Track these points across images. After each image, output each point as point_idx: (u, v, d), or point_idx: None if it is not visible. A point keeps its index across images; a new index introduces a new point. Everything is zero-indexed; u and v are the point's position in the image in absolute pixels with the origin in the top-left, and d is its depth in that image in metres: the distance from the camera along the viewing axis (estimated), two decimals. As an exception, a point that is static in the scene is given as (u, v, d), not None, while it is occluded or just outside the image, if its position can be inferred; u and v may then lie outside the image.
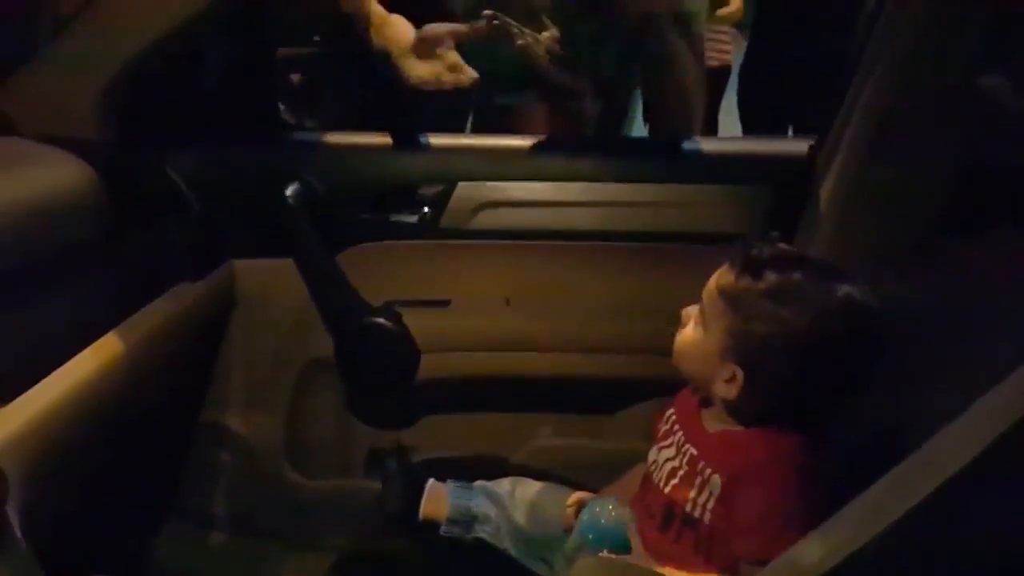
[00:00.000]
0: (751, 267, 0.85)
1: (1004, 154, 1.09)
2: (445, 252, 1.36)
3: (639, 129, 2.03)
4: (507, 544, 1.04)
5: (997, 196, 1.04)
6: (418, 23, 1.42)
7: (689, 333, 0.90)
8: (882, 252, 1.10)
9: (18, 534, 0.78)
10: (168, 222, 1.21)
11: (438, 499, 1.07)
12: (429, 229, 1.34)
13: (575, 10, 1.49)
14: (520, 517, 1.05)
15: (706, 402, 0.92)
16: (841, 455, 0.85)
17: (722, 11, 3.76)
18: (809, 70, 2.78)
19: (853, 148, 1.18)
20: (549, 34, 1.48)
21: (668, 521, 0.89)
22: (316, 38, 1.87)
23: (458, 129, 1.71)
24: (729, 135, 3.67)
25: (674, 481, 0.89)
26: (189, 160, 1.26)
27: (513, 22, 1.38)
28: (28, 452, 0.83)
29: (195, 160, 1.27)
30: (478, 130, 1.74)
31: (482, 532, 1.05)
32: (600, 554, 0.92)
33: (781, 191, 1.31)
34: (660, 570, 0.86)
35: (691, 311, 0.91)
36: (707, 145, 1.43)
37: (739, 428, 0.87)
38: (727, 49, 3.94)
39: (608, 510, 0.94)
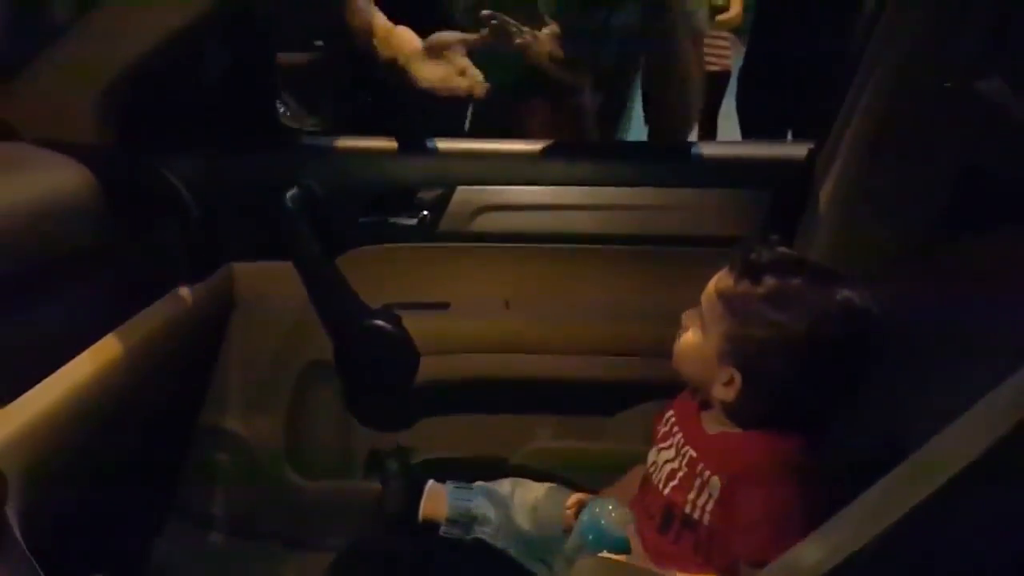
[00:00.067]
0: (750, 271, 0.85)
1: (1003, 157, 1.09)
2: (444, 255, 1.36)
3: (638, 120, 2.02)
4: (507, 545, 1.04)
5: (996, 198, 1.04)
6: (418, 30, 1.42)
7: (688, 336, 0.91)
8: (881, 255, 1.10)
9: (17, 535, 0.78)
10: (167, 225, 1.21)
11: (438, 500, 1.07)
12: (428, 232, 1.35)
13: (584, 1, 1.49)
14: (520, 518, 1.05)
15: (705, 404, 0.92)
16: (840, 457, 0.85)
17: (722, 17, 3.77)
18: (808, 74, 2.79)
19: (852, 152, 1.18)
20: (549, 30, 1.48)
21: (667, 522, 0.89)
22: (317, 43, 1.87)
23: (458, 125, 1.70)
24: (728, 139, 3.67)
25: (673, 483, 0.89)
26: (188, 164, 1.26)
27: (511, 20, 1.37)
28: (28, 453, 0.83)
29: (194, 164, 1.27)
30: (477, 126, 1.74)
31: (482, 533, 1.05)
32: (600, 555, 0.92)
33: (780, 195, 1.32)
34: (659, 571, 0.86)
35: (691, 315, 0.91)
36: (706, 149, 1.43)
37: (738, 430, 0.88)
38: (727, 54, 3.96)
39: (608, 511, 0.94)
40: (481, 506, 1.06)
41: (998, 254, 0.92)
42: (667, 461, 0.92)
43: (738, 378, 0.85)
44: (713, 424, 0.90)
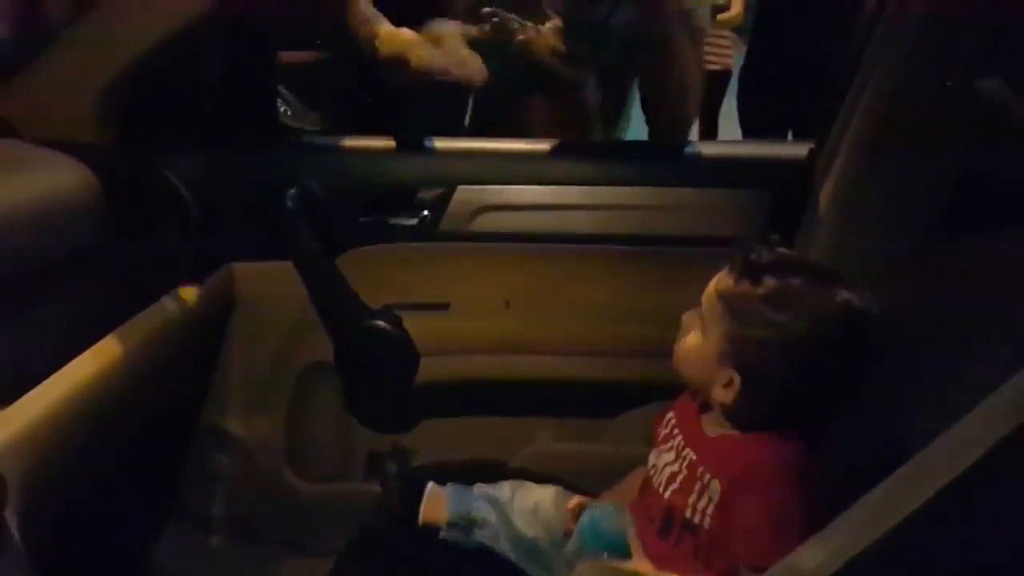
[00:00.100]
0: (749, 271, 0.85)
1: (1003, 157, 1.09)
2: (445, 255, 1.36)
3: (637, 119, 2.01)
4: (507, 548, 1.04)
5: (996, 199, 1.04)
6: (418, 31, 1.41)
7: (689, 338, 0.90)
8: (882, 256, 1.10)
9: (17, 538, 0.78)
10: (167, 225, 1.21)
11: (437, 503, 1.07)
12: (429, 232, 1.34)
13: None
14: (520, 521, 1.05)
15: (706, 406, 0.92)
16: (840, 459, 0.85)
17: (723, 16, 3.77)
18: (808, 74, 2.79)
19: (852, 152, 1.18)
20: (552, 25, 1.47)
21: (668, 526, 0.88)
22: (318, 41, 1.87)
23: (457, 123, 1.70)
24: (729, 139, 3.67)
25: (673, 486, 0.89)
26: (189, 163, 1.26)
27: (513, 16, 1.36)
28: (27, 455, 0.83)
29: (195, 163, 1.27)
30: (478, 123, 1.74)
31: (481, 536, 1.05)
32: (600, 559, 0.91)
33: (781, 195, 1.32)
34: (659, 575, 0.86)
35: (691, 316, 0.91)
36: (707, 149, 1.43)
37: (738, 433, 0.87)
38: (728, 53, 3.95)
39: (608, 515, 0.94)
40: (481, 509, 1.06)
41: (998, 255, 0.92)
42: (667, 464, 0.91)
43: (737, 379, 0.85)
44: (713, 426, 0.90)
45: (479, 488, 1.09)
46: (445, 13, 1.58)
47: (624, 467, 1.07)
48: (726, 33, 3.92)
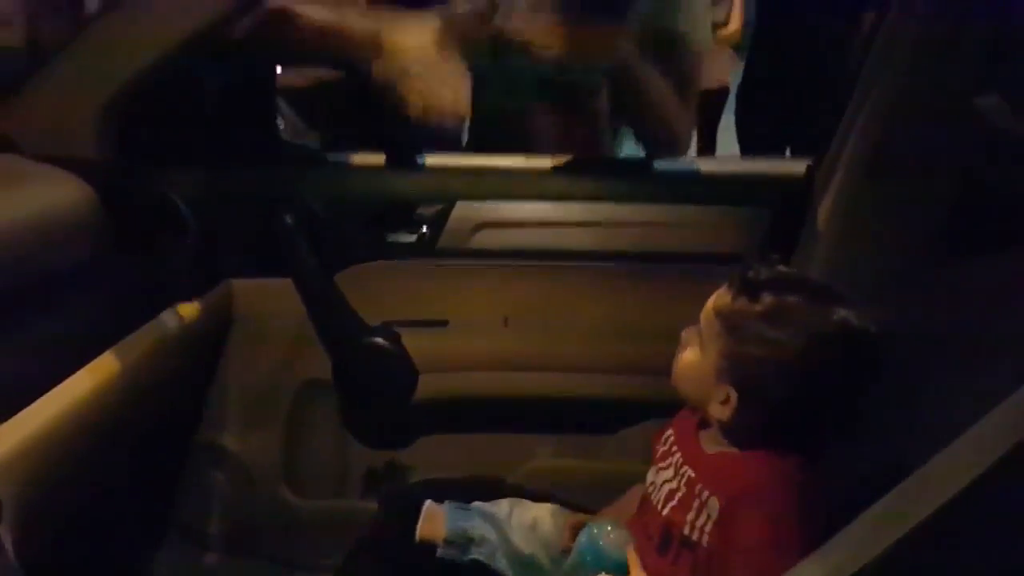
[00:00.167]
0: (747, 289, 0.85)
1: (1001, 174, 1.10)
2: (443, 272, 1.36)
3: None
4: (504, 566, 1.03)
5: (994, 215, 1.04)
6: None
7: (687, 354, 0.90)
8: (880, 272, 1.10)
9: (12, 555, 0.77)
10: (166, 241, 1.21)
11: (435, 520, 1.06)
12: (427, 249, 1.35)
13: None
14: (518, 539, 1.04)
15: (704, 423, 0.91)
16: (840, 477, 0.85)
17: (720, 33, 3.79)
18: (806, 91, 2.80)
19: (851, 168, 1.19)
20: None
21: (666, 544, 0.88)
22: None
23: (455, 142, 1.69)
24: (727, 156, 3.68)
25: (672, 503, 0.88)
26: (188, 180, 1.26)
27: (521, 26, 1.34)
28: (23, 472, 0.83)
29: (194, 180, 1.27)
30: (481, 135, 1.73)
31: (479, 554, 1.04)
32: (598, 576, 0.91)
33: (779, 211, 1.32)
34: (658, 593, 0.86)
35: (690, 332, 0.91)
36: (705, 165, 1.44)
37: (736, 450, 0.87)
38: (725, 70, 3.97)
39: (606, 532, 0.93)
40: (479, 527, 1.05)
41: (996, 272, 0.92)
42: (666, 481, 0.91)
43: (734, 396, 0.84)
44: (711, 444, 0.90)
45: (477, 505, 1.09)
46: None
47: (623, 484, 1.06)
48: (724, 50, 3.94)
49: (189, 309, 1.22)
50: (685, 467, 0.89)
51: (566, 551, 1.00)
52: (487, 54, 1.46)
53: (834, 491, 0.81)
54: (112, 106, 1.16)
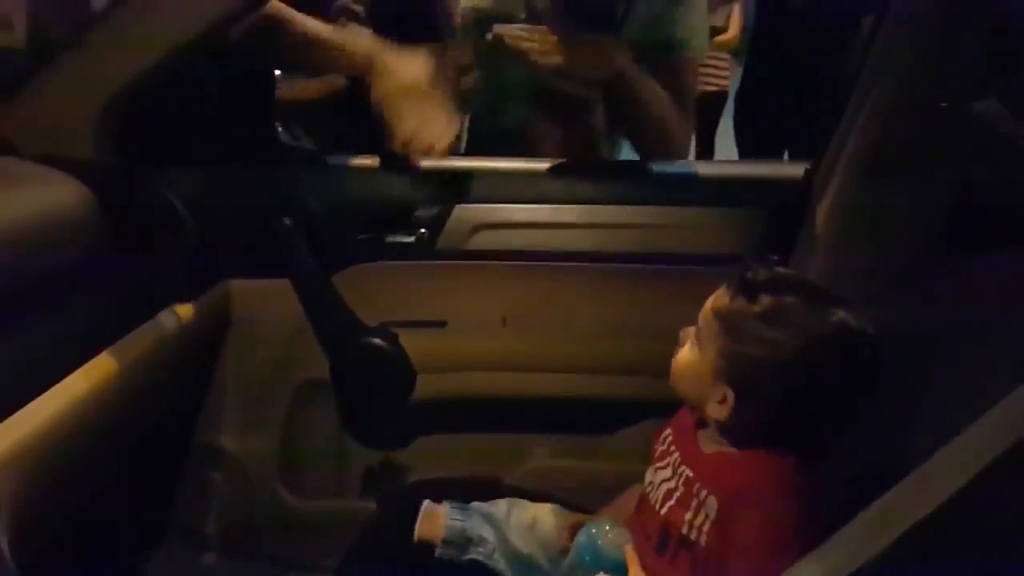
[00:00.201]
0: (746, 289, 0.85)
1: (999, 177, 1.10)
2: (442, 273, 1.36)
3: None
4: (503, 566, 1.03)
5: (992, 218, 1.04)
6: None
7: (685, 353, 0.91)
8: (878, 275, 1.10)
9: (8, 557, 0.77)
10: (164, 242, 1.21)
11: (433, 520, 1.06)
12: (426, 250, 1.35)
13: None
14: (516, 539, 1.04)
15: (702, 423, 0.91)
16: (839, 476, 0.85)
17: (719, 38, 3.82)
18: (804, 95, 2.81)
19: (849, 171, 1.19)
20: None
21: (664, 543, 0.88)
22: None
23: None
24: (726, 158, 3.69)
25: (670, 503, 0.89)
26: (186, 180, 1.26)
27: (520, 33, 1.35)
28: (20, 473, 0.83)
29: (192, 180, 1.27)
30: (475, 153, 1.74)
31: (477, 554, 1.04)
32: (596, 576, 0.91)
33: (777, 214, 1.32)
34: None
35: (688, 331, 0.91)
36: (704, 168, 1.44)
37: (734, 450, 0.87)
38: (724, 75, 3.99)
39: (604, 532, 0.93)
40: (477, 527, 1.05)
41: (994, 274, 0.92)
42: (664, 481, 0.91)
43: (731, 396, 0.85)
44: (709, 443, 0.90)
45: (475, 505, 1.09)
46: (438, 29, 1.58)
47: (621, 484, 1.06)
48: (723, 55, 3.96)
49: (187, 310, 1.22)
50: (683, 467, 0.90)
51: (564, 551, 1.00)
52: (487, 61, 1.47)
53: (833, 491, 0.81)
54: (110, 107, 1.16)
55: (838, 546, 0.58)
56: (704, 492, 0.85)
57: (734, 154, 3.56)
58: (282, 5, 1.32)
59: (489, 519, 1.06)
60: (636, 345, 1.32)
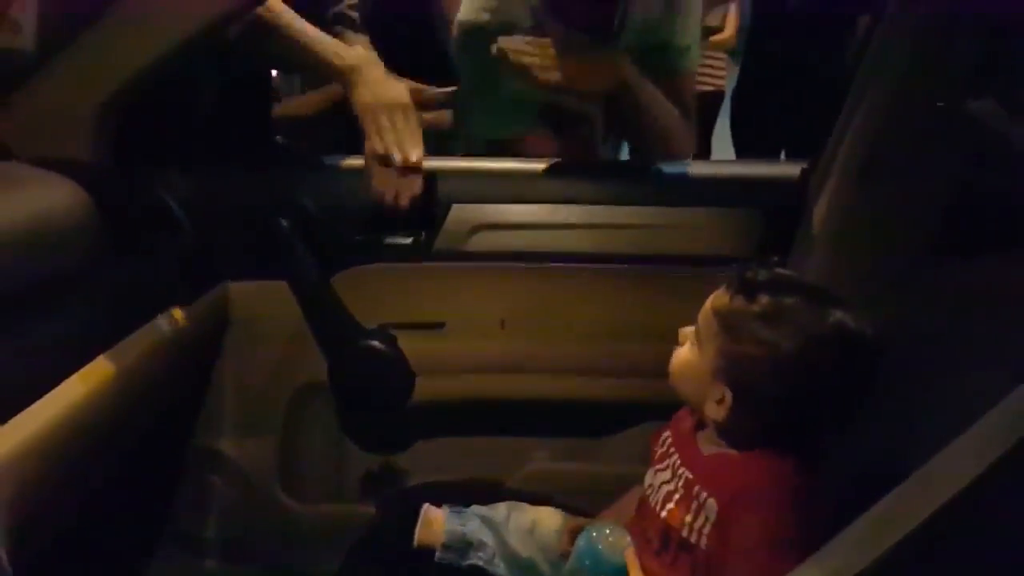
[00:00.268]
0: (745, 289, 0.85)
1: (995, 177, 1.10)
2: (440, 274, 1.35)
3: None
4: (503, 571, 1.03)
5: (989, 219, 1.04)
6: (416, 67, 1.40)
7: (684, 353, 0.91)
8: (875, 275, 1.10)
9: (5, 562, 0.77)
10: (162, 244, 1.20)
11: (433, 524, 1.06)
12: (424, 251, 1.34)
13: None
14: (516, 542, 1.04)
15: (702, 425, 0.91)
16: (839, 479, 0.85)
17: (716, 37, 3.81)
18: (801, 94, 2.81)
19: (845, 171, 1.19)
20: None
21: (665, 546, 0.88)
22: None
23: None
24: (723, 159, 3.69)
25: (670, 505, 0.88)
26: (183, 182, 1.26)
27: (523, 47, 1.34)
28: (17, 478, 0.82)
29: (189, 182, 1.27)
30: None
31: (477, 559, 1.04)
32: (596, 580, 0.91)
33: (774, 214, 1.32)
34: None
35: (688, 331, 0.91)
36: (701, 169, 1.44)
37: (734, 451, 0.87)
38: (721, 74, 3.99)
39: (605, 535, 0.93)
40: (477, 531, 1.05)
41: (992, 275, 0.92)
42: (663, 483, 0.91)
43: (728, 396, 0.85)
44: (709, 445, 0.90)
45: (475, 509, 1.09)
46: (442, 51, 1.58)
47: (621, 486, 1.06)
48: (719, 55, 3.96)
49: (185, 312, 1.21)
50: (683, 468, 0.89)
51: (565, 555, 1.00)
52: (485, 74, 1.47)
53: (833, 492, 0.81)
54: (107, 109, 1.16)
55: (839, 548, 0.58)
56: (704, 494, 0.85)
57: (730, 154, 3.57)
58: (280, 4, 1.31)
59: (489, 523, 1.06)
60: (635, 346, 1.32)
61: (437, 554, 1.04)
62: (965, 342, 0.85)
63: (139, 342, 1.09)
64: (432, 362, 1.34)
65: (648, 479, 0.95)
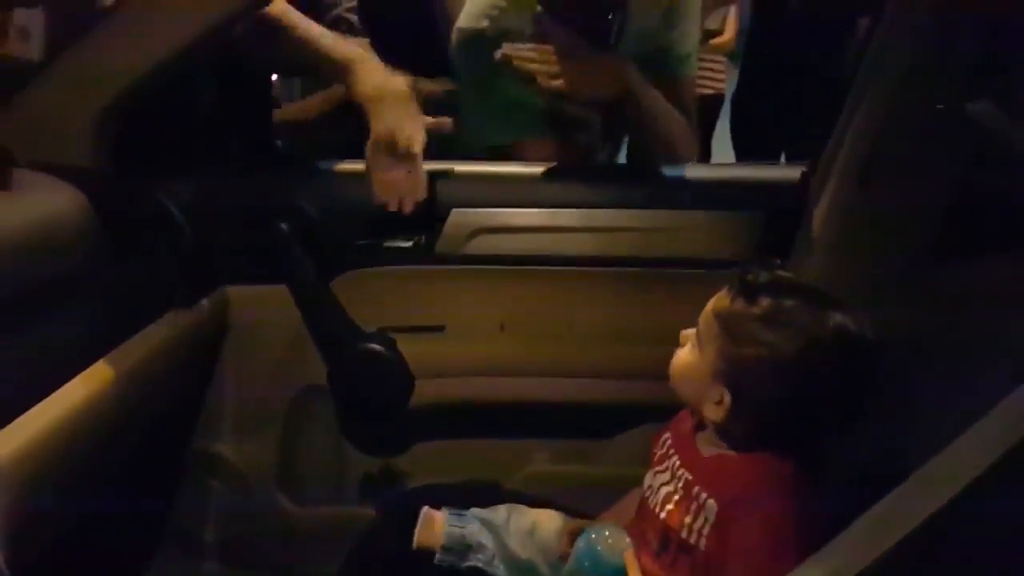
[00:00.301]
0: (746, 291, 0.86)
1: (995, 179, 1.10)
2: (440, 278, 1.35)
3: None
4: (502, 573, 1.03)
5: (989, 221, 1.04)
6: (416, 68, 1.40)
7: (685, 354, 0.91)
8: (875, 277, 1.10)
9: (3, 565, 0.77)
10: (161, 249, 1.20)
11: (433, 527, 1.06)
12: (423, 255, 1.34)
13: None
14: (516, 545, 1.04)
15: (701, 426, 0.91)
16: (838, 480, 0.85)
17: (715, 40, 3.81)
18: (801, 97, 2.81)
19: (845, 174, 1.19)
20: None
21: (664, 547, 0.88)
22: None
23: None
24: (722, 162, 3.69)
25: (669, 506, 0.88)
26: (183, 187, 1.26)
27: (530, 54, 1.34)
28: (16, 482, 0.82)
29: (189, 187, 1.27)
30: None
31: (477, 561, 1.03)
32: (596, 582, 0.91)
33: (774, 217, 1.32)
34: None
35: (689, 333, 0.92)
36: (701, 172, 1.44)
37: (733, 453, 0.87)
38: (721, 78, 3.99)
39: (604, 538, 0.93)
40: (476, 533, 1.05)
41: (991, 276, 0.92)
42: (663, 484, 0.91)
43: (727, 397, 0.85)
44: (708, 446, 0.90)
45: (474, 511, 1.08)
46: (442, 51, 1.58)
47: (621, 488, 1.06)
48: (719, 58, 3.95)
49: (185, 316, 1.21)
50: (682, 470, 0.89)
51: (564, 556, 0.99)
52: (484, 81, 1.47)
53: (833, 494, 0.81)
54: (107, 114, 1.16)
55: (839, 550, 0.58)
56: (703, 496, 0.85)
57: (731, 157, 3.56)
58: (286, 5, 1.32)
59: (488, 525, 1.06)
60: (634, 349, 1.32)
61: (437, 556, 1.04)
62: (965, 342, 0.85)
63: (139, 346, 1.09)
64: (432, 365, 1.34)
65: (647, 480, 0.95)
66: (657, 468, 0.94)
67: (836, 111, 1.23)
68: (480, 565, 1.04)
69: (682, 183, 1.40)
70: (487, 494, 1.14)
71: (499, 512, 1.08)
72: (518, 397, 1.36)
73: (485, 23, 1.49)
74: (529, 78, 1.33)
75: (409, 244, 1.34)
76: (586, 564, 0.92)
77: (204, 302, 1.27)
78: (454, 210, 1.34)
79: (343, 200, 1.36)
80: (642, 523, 0.93)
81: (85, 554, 1.11)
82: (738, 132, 3.53)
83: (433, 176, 1.33)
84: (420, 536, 1.05)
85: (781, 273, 0.90)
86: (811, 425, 0.85)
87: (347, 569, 1.09)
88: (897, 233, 1.13)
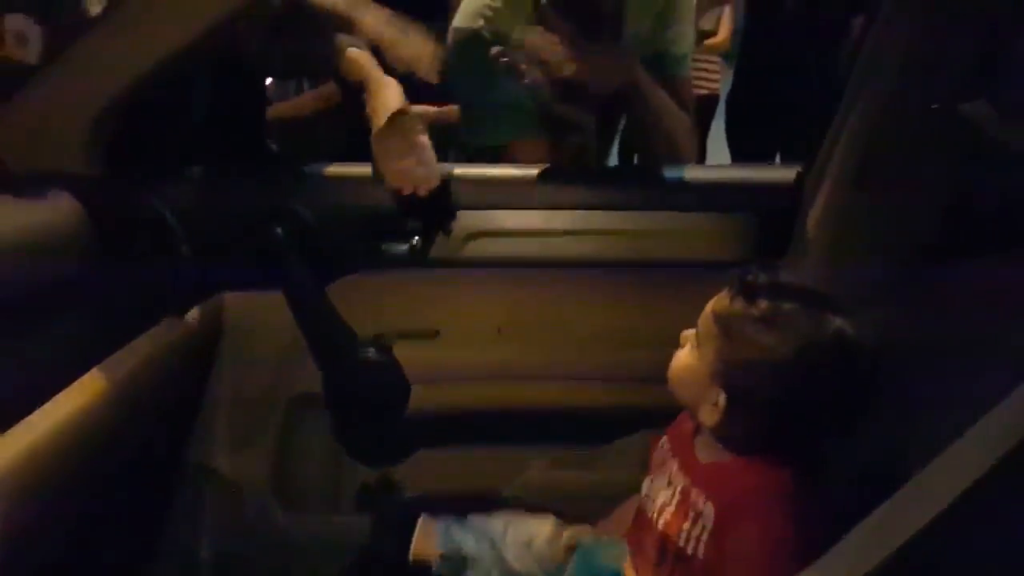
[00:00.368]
0: (745, 293, 0.85)
1: (991, 179, 1.10)
2: (435, 281, 1.35)
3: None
4: (499, 583, 1.03)
5: (983, 221, 1.04)
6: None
7: (683, 356, 0.91)
8: (872, 277, 1.10)
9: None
10: (156, 255, 1.20)
11: (430, 537, 1.05)
12: (420, 259, 1.34)
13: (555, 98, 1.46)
14: (512, 556, 1.03)
15: (700, 430, 0.91)
16: (837, 484, 0.84)
17: (710, 41, 3.81)
18: (795, 98, 2.82)
19: (840, 175, 1.19)
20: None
21: (662, 556, 0.87)
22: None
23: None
24: (717, 163, 3.70)
25: (668, 512, 0.88)
26: (177, 193, 1.25)
27: (544, 43, 1.34)
28: (8, 492, 0.82)
29: (183, 192, 1.26)
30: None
31: (474, 573, 1.03)
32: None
33: (769, 218, 1.32)
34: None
35: (689, 334, 0.91)
36: (696, 173, 1.43)
37: (731, 458, 0.87)
38: (715, 78, 3.99)
39: (601, 549, 0.93)
40: (473, 545, 1.04)
41: (987, 277, 0.92)
42: (661, 490, 0.91)
43: (723, 400, 0.84)
44: (706, 451, 0.89)
45: (471, 522, 1.08)
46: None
47: (620, 494, 1.06)
48: (714, 58, 3.96)
49: (179, 323, 1.21)
50: (680, 475, 0.89)
51: (562, 567, 0.99)
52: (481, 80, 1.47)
53: (833, 495, 0.81)
54: (100, 120, 1.15)
55: (840, 555, 0.58)
56: (701, 501, 0.84)
57: (725, 157, 3.57)
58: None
59: (485, 537, 1.05)
60: (631, 352, 1.31)
61: (433, 567, 1.04)
62: (964, 342, 0.85)
63: (133, 354, 1.08)
64: (428, 370, 1.33)
65: (645, 488, 0.94)
66: (655, 474, 0.94)
67: (831, 111, 1.23)
68: (476, 576, 1.03)
69: (677, 184, 1.39)
70: (485, 501, 1.14)
71: (496, 523, 1.08)
72: (515, 402, 1.35)
73: (480, 23, 1.49)
74: (542, 64, 1.33)
75: (405, 248, 1.34)
76: None
77: (198, 308, 1.27)
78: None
79: (339, 204, 1.35)
80: (639, 532, 0.92)
81: (78, 566, 1.10)
82: (733, 132, 3.54)
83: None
84: (417, 546, 1.05)
85: (781, 275, 0.90)
86: (810, 429, 0.85)
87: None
88: (892, 233, 1.13)
